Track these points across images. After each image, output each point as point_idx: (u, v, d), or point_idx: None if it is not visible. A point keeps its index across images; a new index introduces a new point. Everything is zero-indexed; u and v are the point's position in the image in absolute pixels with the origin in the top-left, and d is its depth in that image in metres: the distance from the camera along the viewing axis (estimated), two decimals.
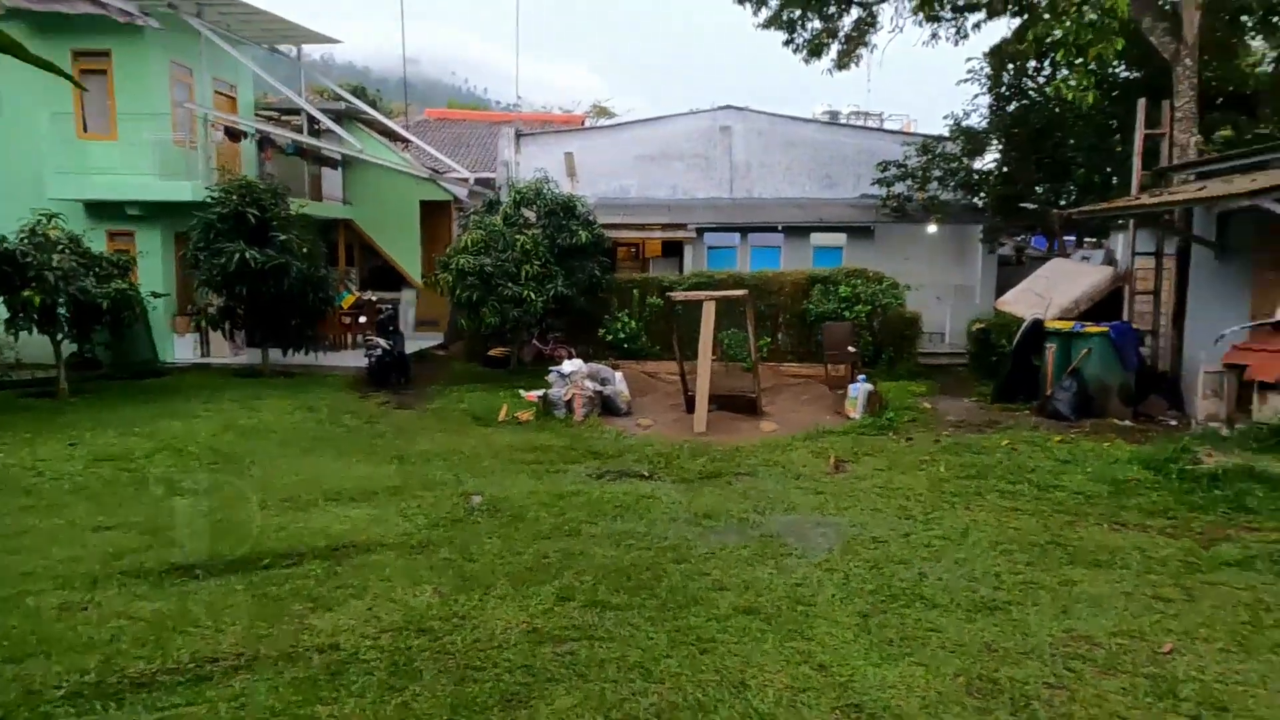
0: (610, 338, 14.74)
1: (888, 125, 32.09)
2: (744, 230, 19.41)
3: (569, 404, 10.97)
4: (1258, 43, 15.06)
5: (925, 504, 6.97)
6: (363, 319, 16.11)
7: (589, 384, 11.17)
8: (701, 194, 20.82)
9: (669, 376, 13.00)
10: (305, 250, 13.48)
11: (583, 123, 31.72)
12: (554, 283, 13.77)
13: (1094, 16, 11.04)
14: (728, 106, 21.02)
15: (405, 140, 21.63)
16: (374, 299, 17.15)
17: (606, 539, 6.07)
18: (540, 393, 11.31)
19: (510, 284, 13.44)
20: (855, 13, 17.99)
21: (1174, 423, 10.16)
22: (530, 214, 14.73)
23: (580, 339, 14.78)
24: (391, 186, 19.30)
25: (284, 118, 19.94)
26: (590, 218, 14.99)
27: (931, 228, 18.88)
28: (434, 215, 19.95)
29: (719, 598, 4.93)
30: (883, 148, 20.13)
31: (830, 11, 17.78)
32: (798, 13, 17.73)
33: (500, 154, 20.46)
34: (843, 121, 30.19)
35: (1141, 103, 12.36)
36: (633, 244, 20.28)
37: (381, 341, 13.21)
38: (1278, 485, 6.78)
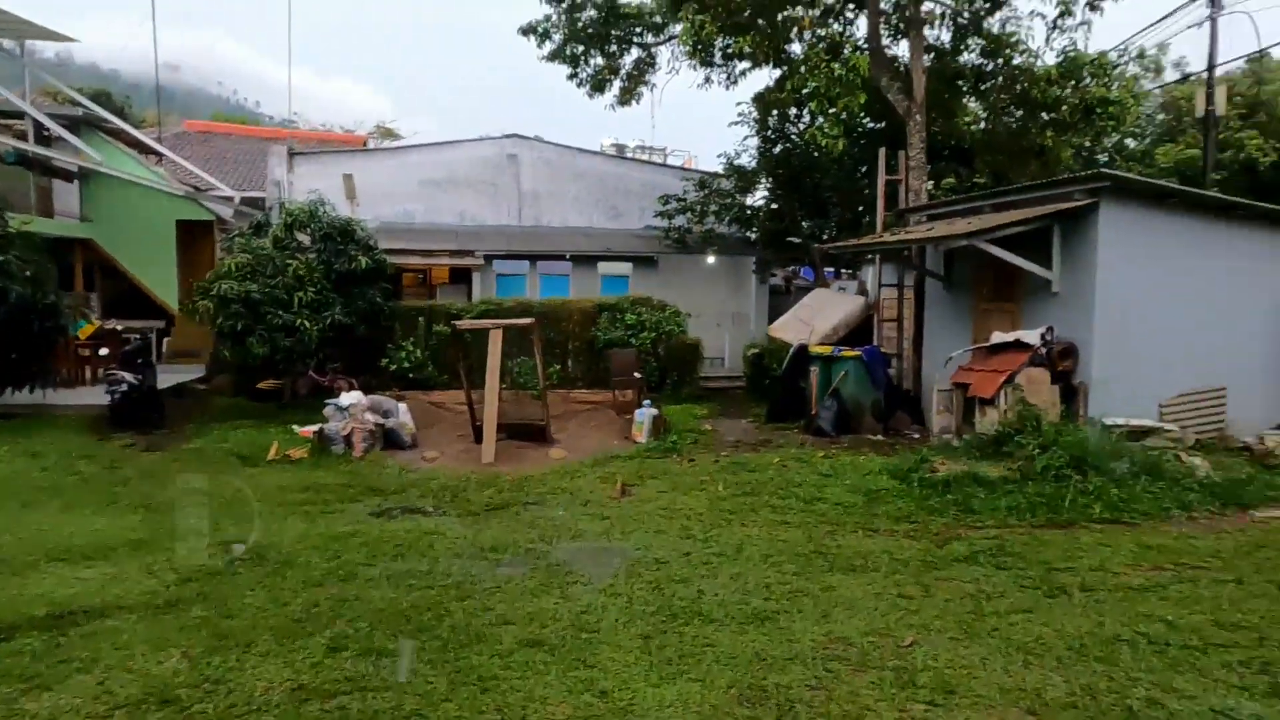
0: (394, 368, 14.17)
1: (671, 161, 33.70)
2: (533, 258, 19.50)
3: (347, 439, 10.39)
4: (974, 104, 17.46)
5: (705, 523, 7.29)
6: (104, 350, 14.29)
7: (370, 417, 10.65)
8: (490, 221, 20.69)
9: (457, 407, 12.70)
10: (29, 273, 11.78)
11: (365, 144, 30.48)
12: (331, 310, 13.03)
13: (841, 72, 12.32)
14: (515, 135, 21.13)
15: (158, 154, 19.62)
16: (119, 328, 15.31)
17: (385, 581, 5.78)
18: (316, 428, 10.62)
19: (281, 312, 12.53)
20: (635, 53, 18.82)
21: (916, 435, 11.41)
22: (305, 237, 13.87)
23: (362, 370, 14.06)
24: (142, 203, 17.38)
25: (4, 122, 17.40)
26: (371, 243, 14.39)
27: (710, 259, 20.02)
28: (195, 237, 18.23)
29: (503, 633, 4.84)
30: (665, 182, 21.11)
31: (611, 50, 18.47)
32: (580, 49, 18.24)
33: (271, 173, 19.16)
34: (629, 155, 31.34)
35: (882, 151, 13.94)
36: (419, 270, 19.72)
37: (127, 375, 11.78)
38: (993, 488, 7.80)
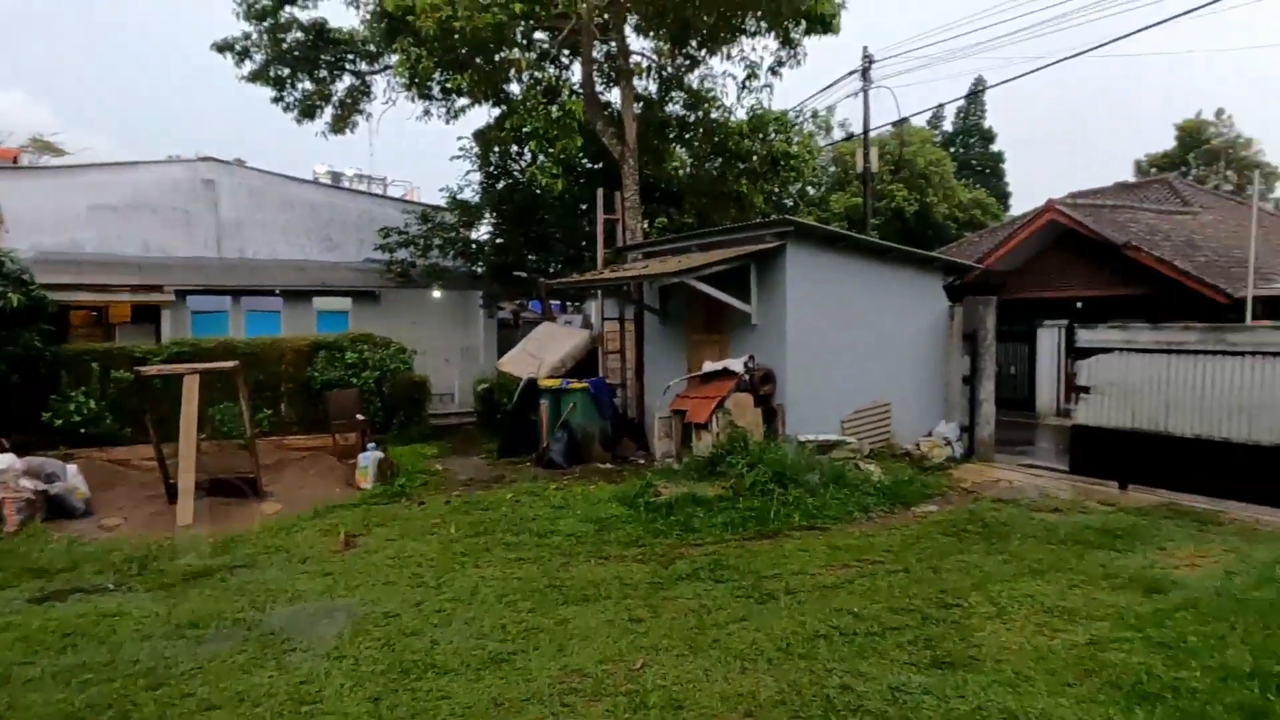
0: (60, 423, 12.08)
1: (392, 191, 32.65)
2: (236, 294, 17.80)
3: None
4: (681, 151, 18.96)
5: (438, 568, 7.06)
6: None
7: (25, 483, 8.98)
8: (183, 252, 18.58)
9: (145, 464, 11.16)
10: None
11: (15, 159, 25.95)
12: None
13: (558, 115, 12.78)
14: (210, 159, 19.25)
15: None
16: None
17: (51, 680, 4.88)
18: None
19: None
20: (349, 80, 18.04)
21: (642, 461, 12.00)
22: None
23: (17, 426, 11.81)
24: None
25: None
26: (26, 276, 12.22)
27: (436, 293, 19.62)
28: None
29: None
30: (386, 214, 20.39)
31: (322, 75, 17.55)
32: (286, 72, 17.12)
33: None
34: (345, 185, 29.84)
35: (600, 192, 14.64)
36: (93, 308, 17.11)
37: None
38: (710, 506, 8.42)
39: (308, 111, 17.78)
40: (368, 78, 18.17)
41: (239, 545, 8.05)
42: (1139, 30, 31.88)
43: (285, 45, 16.86)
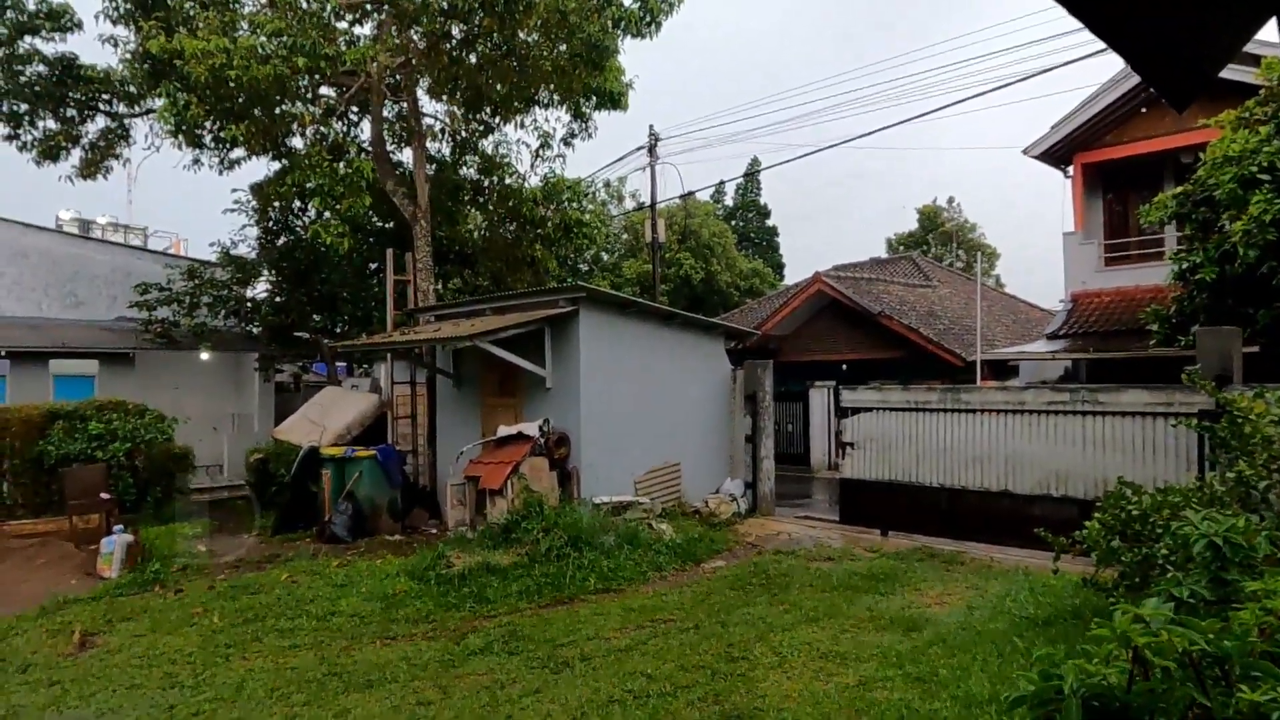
0: None
1: (154, 243, 29.71)
2: None
3: None
4: (476, 213, 18.92)
5: (196, 664, 6.30)
6: None
7: None
8: None
9: None
10: None
11: None
12: None
13: (346, 172, 12.35)
14: None
15: None
16: None
17: None
18: None
19: None
20: (102, 121, 16.39)
21: (435, 530, 11.53)
22: None
23: None
24: None
25: None
26: None
27: (204, 355, 17.96)
28: None
29: None
30: (144, 267, 18.52)
31: (69, 114, 15.81)
32: (24, 107, 15.26)
33: None
34: (96, 234, 26.80)
35: (390, 252, 14.22)
36: None
37: None
38: (506, 575, 8.24)
39: (50, 153, 15.85)
40: (126, 120, 16.58)
41: None
42: (883, 128, 36.46)
43: (24, 79, 15.04)
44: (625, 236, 34.68)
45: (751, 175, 42.15)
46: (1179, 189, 10.84)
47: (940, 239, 41.90)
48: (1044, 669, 2.38)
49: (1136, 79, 13.98)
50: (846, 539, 10.40)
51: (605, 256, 33.86)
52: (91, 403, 13.06)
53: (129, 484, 12.45)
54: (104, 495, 11.18)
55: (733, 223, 40.88)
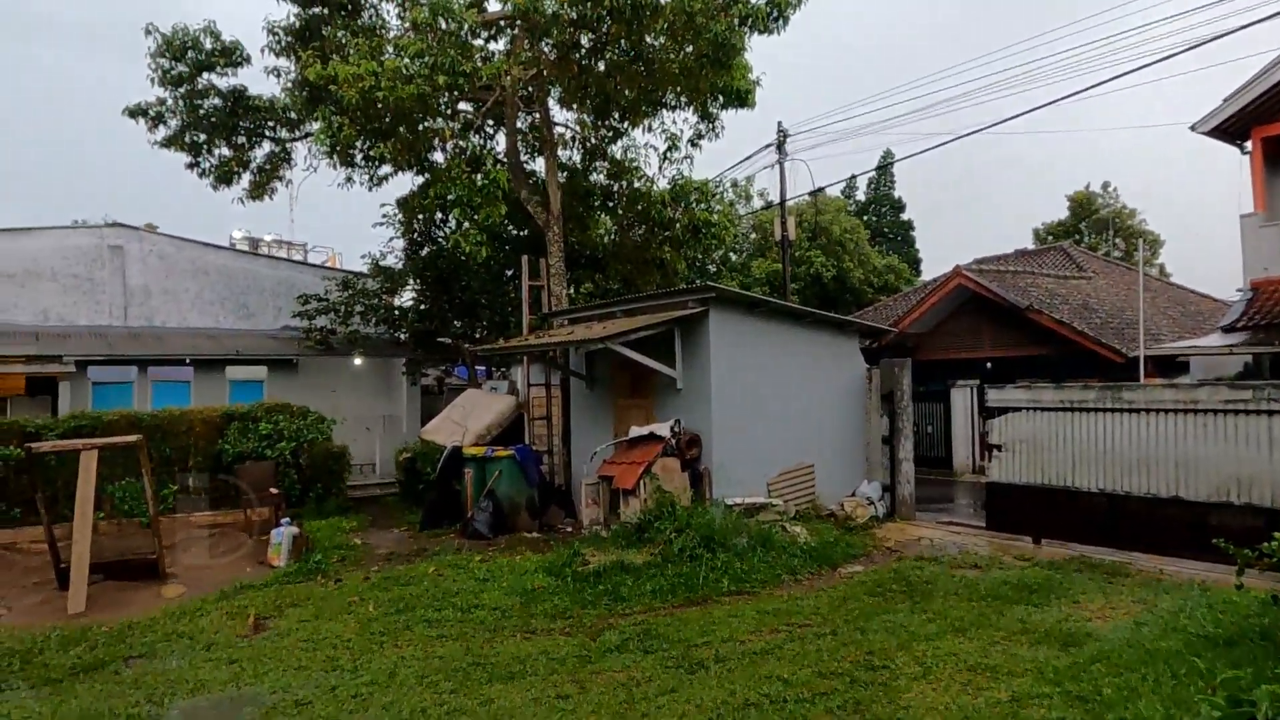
0: None
1: (312, 258, 32.07)
2: (143, 363, 17.03)
3: None
4: (605, 218, 19.27)
5: (354, 650, 6.73)
6: None
7: None
8: (85, 321, 17.77)
9: (34, 547, 10.42)
10: None
11: None
12: None
13: (483, 184, 12.87)
14: (118, 224, 18.63)
15: None
16: None
17: None
18: None
19: None
20: (268, 146, 17.82)
21: (570, 529, 11.81)
22: None
23: None
24: None
25: None
26: None
27: (357, 360, 19.19)
28: None
29: None
30: (305, 280, 19.99)
31: (240, 141, 17.29)
32: (202, 138, 16.82)
33: None
34: (263, 251, 29.19)
35: (525, 258, 14.70)
36: None
37: None
38: (639, 574, 8.32)
39: (225, 178, 17.43)
40: (288, 144, 17.97)
41: (136, 633, 7.51)
42: (1029, 110, 34.35)
43: (202, 111, 16.59)
44: (754, 236, 34.32)
45: (884, 168, 40.77)
46: None
47: (1095, 227, 39.00)
48: (1231, 694, 2.16)
49: None
50: (994, 546, 9.85)
51: (733, 257, 33.62)
52: (261, 405, 14.23)
53: (294, 480, 13.47)
54: (273, 490, 12.14)
55: (865, 218, 39.66)
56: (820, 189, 30.59)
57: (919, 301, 19.32)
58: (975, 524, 11.13)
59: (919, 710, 4.93)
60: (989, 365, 18.24)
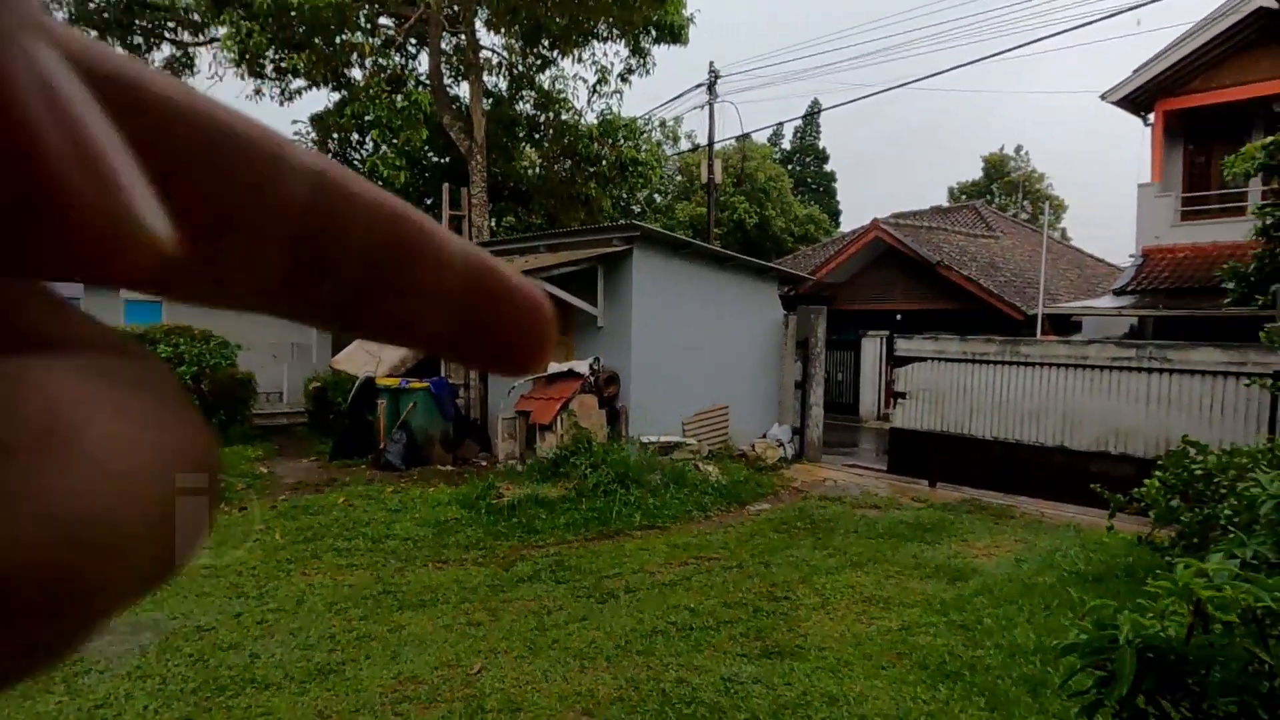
0: None
1: None
2: None
3: None
4: (531, 151, 18.85)
5: (259, 577, 6.61)
6: None
7: None
8: None
9: None
10: None
11: None
12: None
13: (403, 105, 12.35)
14: None
15: None
16: None
17: None
18: None
19: None
20: (168, 50, 16.59)
21: (485, 463, 11.79)
22: None
23: None
24: None
25: None
26: None
27: None
28: None
29: None
30: None
31: (136, 42, 16.03)
32: (93, 35, 15.50)
33: None
34: None
35: (445, 187, 14.27)
36: None
37: None
38: (553, 507, 8.41)
39: None
40: (191, 50, 16.78)
41: None
42: (953, 68, 35.08)
43: (94, 5, 15.28)
44: (680, 179, 34.22)
45: (811, 117, 41.06)
46: (1269, 139, 10.23)
47: (1006, 189, 40.47)
48: (1098, 618, 2.35)
49: (1236, 18, 13.13)
50: (894, 488, 10.36)
51: (659, 198, 33.51)
52: (160, 327, 13.54)
53: (195, 407, 12.93)
54: None
55: (790, 167, 40.00)
56: (748, 134, 30.71)
57: (837, 252, 19.74)
58: (878, 467, 11.66)
59: (816, 637, 5.20)
60: (899, 317, 18.88)
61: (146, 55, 16.39)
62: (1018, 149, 42.05)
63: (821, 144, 42.73)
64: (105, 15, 15.43)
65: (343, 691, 4.49)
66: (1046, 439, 9.42)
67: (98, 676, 4.71)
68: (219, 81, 16.83)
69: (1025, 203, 39.16)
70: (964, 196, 39.20)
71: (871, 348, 18.02)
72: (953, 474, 10.33)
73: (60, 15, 14.74)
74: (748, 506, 9.26)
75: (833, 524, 8.28)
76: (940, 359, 10.51)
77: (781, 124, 41.51)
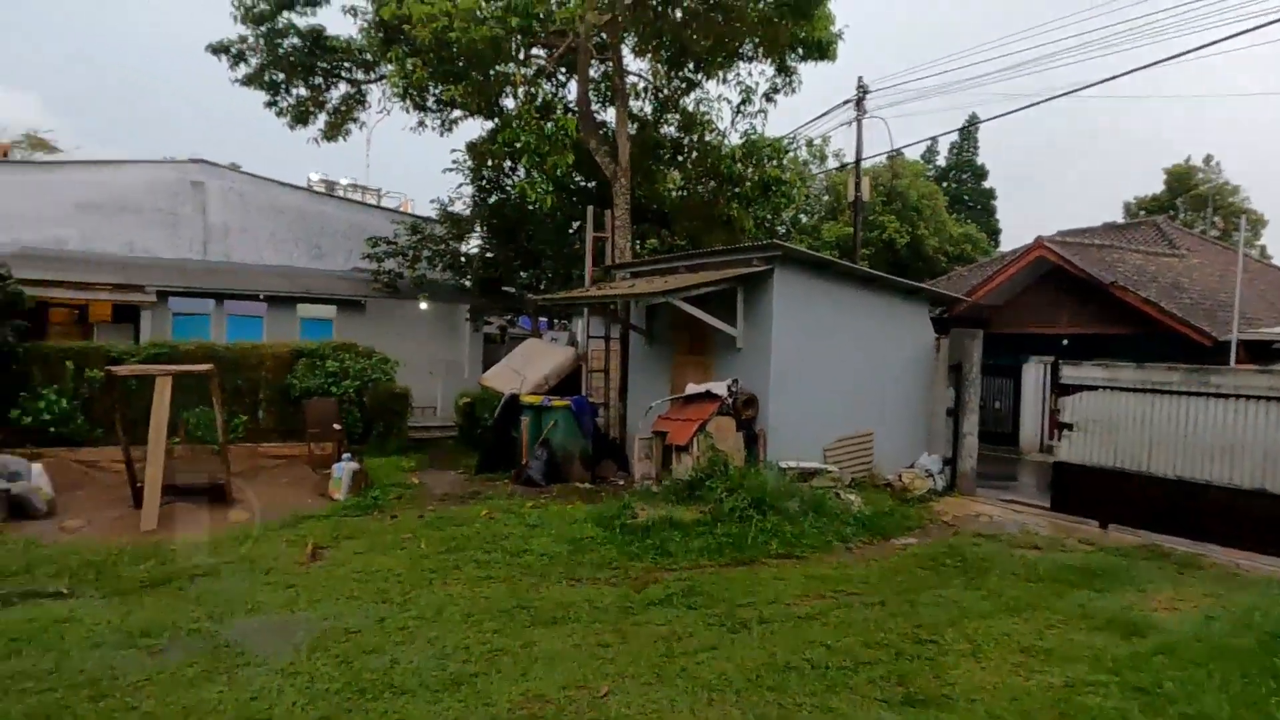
0: (29, 420, 11.82)
1: (386, 202, 32.51)
2: (219, 297, 17.60)
3: None
4: (674, 173, 18.94)
5: (404, 584, 6.88)
6: None
7: None
8: (167, 254, 18.41)
9: (114, 465, 10.92)
10: None
11: (5, 154, 25.74)
12: None
13: (552, 131, 12.73)
14: (201, 160, 19.11)
15: None
16: None
17: None
18: None
19: None
20: (344, 87, 17.98)
21: (621, 482, 11.84)
22: None
23: None
24: None
25: None
26: (1, 270, 12.03)
27: (423, 304, 19.47)
28: None
29: None
30: (375, 223, 20.28)
31: (317, 82, 17.48)
32: (281, 77, 17.05)
33: None
34: (339, 193, 29.70)
35: (590, 209, 14.57)
36: (73, 306, 16.88)
37: None
38: (688, 530, 8.28)
39: (301, 118, 17.69)
40: (363, 86, 18.10)
41: (201, 552, 7.84)
42: (1128, 72, 32.42)
43: (282, 50, 16.78)
44: (826, 198, 33.44)
45: (968, 132, 39.13)
46: None
47: (1192, 203, 36.84)
48: None
49: None
50: (1057, 528, 9.51)
51: (804, 219, 32.88)
52: (329, 343, 14.58)
53: (357, 418, 13.80)
54: (336, 426, 12.47)
55: (944, 184, 38.23)
56: (899, 151, 29.58)
57: (996, 272, 18.56)
58: (1038, 504, 10.76)
59: (966, 688, 4.78)
60: (1065, 343, 17.48)
61: (326, 93, 17.84)
62: (1207, 159, 38.12)
63: (980, 159, 40.59)
64: (292, 59, 16.91)
65: (473, 704, 4.55)
66: (1243, 480, 8.34)
67: (255, 670, 5.01)
68: (387, 115, 18.08)
69: (1216, 218, 35.48)
70: (1143, 212, 36.01)
71: (1033, 374, 16.78)
72: (1127, 515, 9.36)
73: (255, 60, 16.29)
74: (892, 540, 8.77)
75: (987, 564, 7.67)
76: (1113, 388, 9.58)
77: (935, 139, 39.79)
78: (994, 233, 38.46)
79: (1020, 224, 62.75)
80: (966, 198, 39.53)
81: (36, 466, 9.73)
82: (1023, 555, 8.05)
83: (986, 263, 22.86)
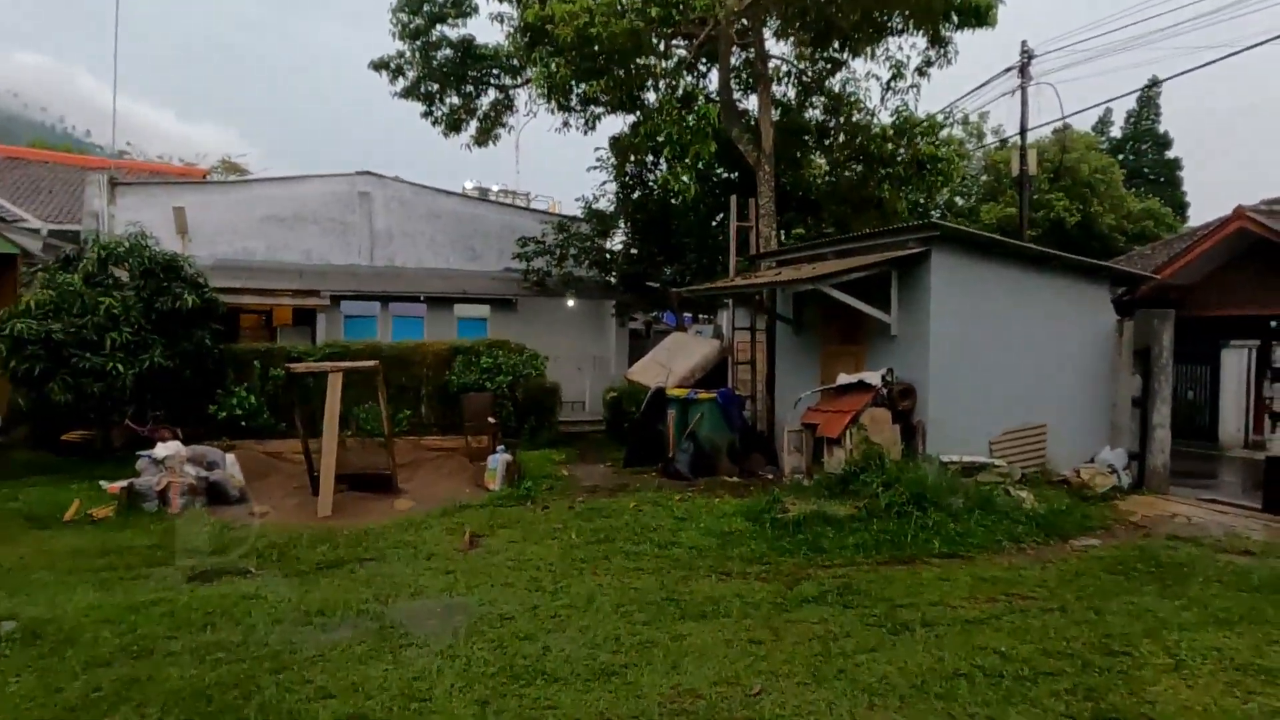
0: (225, 415, 13.03)
1: (536, 204, 33.66)
2: (384, 299, 18.73)
3: (163, 494, 9.37)
4: (819, 157, 18.38)
5: (556, 573, 6.96)
6: None
7: (190, 469, 9.67)
8: (339, 260, 19.78)
9: (295, 457, 11.81)
10: None
11: (205, 177, 28.63)
12: (151, 353, 11.86)
13: (693, 122, 12.61)
14: (367, 172, 20.40)
15: None
16: None
17: (188, 656, 5.09)
18: (125, 483, 9.52)
19: (89, 354, 11.29)
20: (492, 94, 18.66)
21: (770, 476, 11.56)
22: (122, 273, 12.65)
23: (188, 418, 12.84)
24: None
25: None
26: (201, 280, 13.30)
27: (570, 302, 19.92)
28: None
29: (320, 708, 4.33)
30: (524, 224, 20.93)
31: (468, 90, 18.24)
32: (435, 87, 17.91)
33: (88, 203, 17.54)
34: (491, 198, 31.00)
35: (734, 199, 14.34)
36: (260, 311, 18.48)
37: None
38: (841, 526, 7.92)
39: (454, 125, 18.54)
40: (510, 91, 18.74)
41: (370, 538, 8.29)
42: None
43: (435, 62, 17.65)
44: (985, 178, 31.46)
45: (1147, 98, 35.65)
46: None
47: None
48: None
49: None
50: (1272, 531, 8.39)
51: (960, 201, 31.06)
52: (484, 341, 15.18)
53: (510, 412, 14.27)
54: (491, 420, 12.93)
55: (1121, 156, 35.03)
56: (1067, 122, 27.29)
57: (1186, 249, 16.71)
58: (1248, 504, 9.55)
59: (1169, 707, 4.24)
60: (1273, 324, 15.50)
61: (476, 100, 18.60)
62: None
63: (1162, 128, 36.92)
64: (445, 70, 17.76)
65: (623, 695, 4.48)
66: None
67: (417, 651, 5.18)
68: (533, 117, 18.62)
69: None
70: None
71: (1235, 361, 15.00)
72: None
73: (411, 74, 17.15)
74: (1071, 541, 8.02)
75: (1187, 570, 6.85)
76: None
77: (1110, 106, 36.49)
78: (1180, 207, 34.90)
79: (1212, 197, 56.57)
80: (1147, 170, 36.09)
81: (230, 457, 10.65)
82: (1231, 561, 7.13)
83: (1173, 239, 20.69)
